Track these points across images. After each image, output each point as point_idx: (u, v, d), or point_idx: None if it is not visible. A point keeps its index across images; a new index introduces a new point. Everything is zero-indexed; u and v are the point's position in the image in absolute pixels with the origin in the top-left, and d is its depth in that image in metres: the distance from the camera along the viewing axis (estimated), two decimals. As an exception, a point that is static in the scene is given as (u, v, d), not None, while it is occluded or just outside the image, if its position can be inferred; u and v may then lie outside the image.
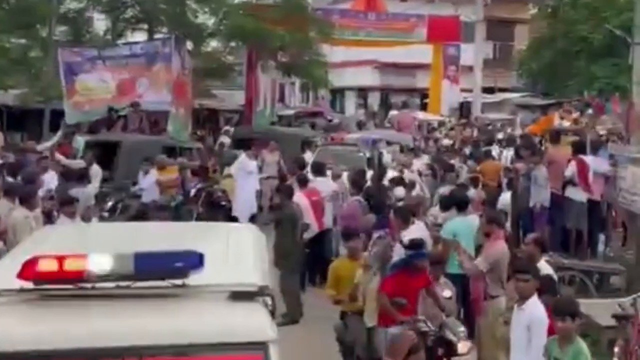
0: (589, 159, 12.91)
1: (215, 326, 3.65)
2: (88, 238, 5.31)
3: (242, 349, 3.59)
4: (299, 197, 12.39)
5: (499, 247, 8.70)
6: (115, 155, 16.39)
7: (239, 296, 3.80)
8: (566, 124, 19.74)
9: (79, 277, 3.69)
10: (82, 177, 13.26)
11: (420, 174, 15.64)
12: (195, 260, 3.76)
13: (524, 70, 38.66)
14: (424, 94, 37.55)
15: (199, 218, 14.29)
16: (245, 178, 16.50)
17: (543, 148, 16.50)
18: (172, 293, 3.80)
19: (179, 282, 3.77)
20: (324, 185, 13.45)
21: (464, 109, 35.19)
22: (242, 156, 17.13)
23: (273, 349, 3.64)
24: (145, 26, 25.65)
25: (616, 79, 25.94)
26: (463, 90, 34.76)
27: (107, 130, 19.31)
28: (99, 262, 3.69)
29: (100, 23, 27.12)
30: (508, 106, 34.40)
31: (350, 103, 43.56)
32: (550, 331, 6.47)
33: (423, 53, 33.55)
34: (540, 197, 12.83)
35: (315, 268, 12.96)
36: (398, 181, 13.50)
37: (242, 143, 19.28)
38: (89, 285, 3.74)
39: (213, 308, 3.77)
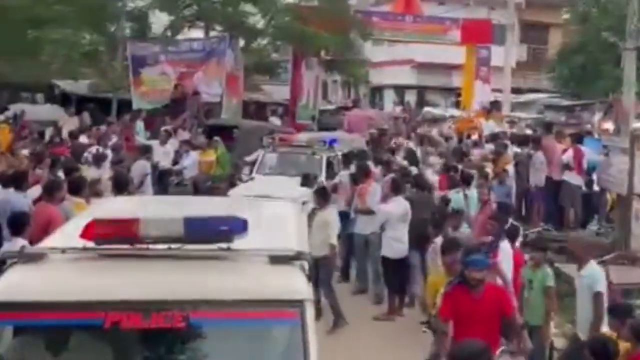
0: (584, 148, 15.02)
1: (256, 285, 4.00)
2: (144, 206, 5.92)
3: (281, 306, 3.95)
4: None
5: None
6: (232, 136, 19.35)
7: (278, 260, 4.11)
8: (491, 123, 22.25)
9: (133, 238, 4.01)
10: (146, 152, 15.08)
11: None
12: (239, 226, 4.05)
13: (555, 73, 40.54)
14: (458, 92, 39.40)
15: None
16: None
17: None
18: (218, 255, 4.10)
19: (224, 245, 4.07)
20: None
21: (494, 107, 36.96)
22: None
23: (308, 307, 4.01)
24: (202, 24, 27.96)
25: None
26: (495, 90, 36.55)
27: (171, 119, 21.76)
28: (152, 225, 3.99)
29: (159, 20, 28.87)
30: (536, 106, 36.31)
31: (389, 100, 45.43)
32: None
33: (457, 54, 35.45)
34: (536, 178, 14.96)
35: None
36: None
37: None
38: (143, 246, 4.06)
39: (255, 269, 4.08)
